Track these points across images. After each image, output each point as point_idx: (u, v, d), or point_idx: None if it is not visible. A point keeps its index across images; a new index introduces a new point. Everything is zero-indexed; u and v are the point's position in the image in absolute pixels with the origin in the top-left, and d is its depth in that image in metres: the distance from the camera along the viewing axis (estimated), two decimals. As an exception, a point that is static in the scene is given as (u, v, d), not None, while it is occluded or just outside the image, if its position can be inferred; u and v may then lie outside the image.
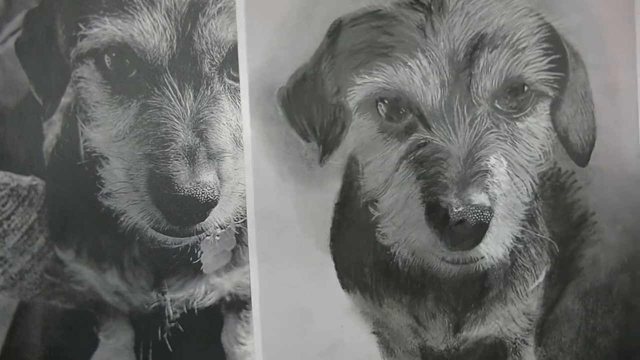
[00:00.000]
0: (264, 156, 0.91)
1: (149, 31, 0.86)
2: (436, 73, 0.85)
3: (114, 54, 0.88)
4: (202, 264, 0.93)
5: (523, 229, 0.87)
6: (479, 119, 0.84)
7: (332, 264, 0.91)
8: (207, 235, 0.91)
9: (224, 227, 0.91)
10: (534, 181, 0.87)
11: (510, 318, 0.91)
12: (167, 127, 0.86)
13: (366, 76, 0.86)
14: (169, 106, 0.87)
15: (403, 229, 0.87)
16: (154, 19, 0.86)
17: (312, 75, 0.89)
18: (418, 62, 0.85)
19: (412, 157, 0.85)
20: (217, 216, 0.88)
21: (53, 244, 0.96)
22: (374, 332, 0.93)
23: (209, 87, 0.87)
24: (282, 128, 0.90)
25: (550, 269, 0.90)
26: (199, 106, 0.87)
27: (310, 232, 0.91)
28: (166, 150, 0.86)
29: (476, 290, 0.90)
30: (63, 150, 0.94)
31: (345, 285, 0.92)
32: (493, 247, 0.85)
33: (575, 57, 0.87)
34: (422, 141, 0.85)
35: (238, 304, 0.98)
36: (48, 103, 0.93)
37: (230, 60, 0.88)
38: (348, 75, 0.88)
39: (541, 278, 0.90)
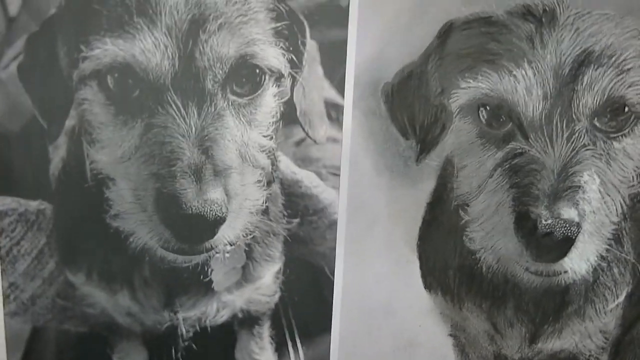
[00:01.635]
0: (362, 149, 0.91)
1: (151, 50, 0.85)
2: (540, 85, 0.85)
3: (116, 74, 0.87)
4: (212, 282, 0.94)
5: (609, 247, 0.88)
6: (577, 134, 0.85)
7: (417, 263, 0.92)
8: (216, 253, 0.91)
9: (234, 244, 0.90)
10: (625, 202, 0.88)
11: (586, 334, 0.92)
12: (172, 146, 0.85)
13: (471, 80, 0.87)
14: (174, 124, 0.85)
15: (491, 235, 0.88)
16: (155, 38, 0.85)
17: (418, 74, 0.89)
18: (523, 72, 0.85)
19: (507, 165, 0.86)
20: (226, 233, 0.87)
21: (63, 267, 0.96)
22: (450, 335, 0.94)
23: (213, 104, 0.86)
24: (383, 123, 0.91)
25: (632, 290, 0.91)
26: (204, 123, 0.86)
27: (399, 228, 0.92)
28: (172, 168, 0.84)
29: (556, 304, 0.90)
30: (69, 173, 0.94)
31: (427, 285, 0.93)
32: (577, 263, 0.86)
33: (680, 84, 0.87)
34: (519, 150, 0.86)
35: (250, 320, 0.99)
36: (53, 126, 0.92)
37: (232, 76, 0.87)
38: (453, 77, 0.88)
39: (621, 298, 0.91)
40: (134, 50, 0.84)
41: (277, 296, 0.96)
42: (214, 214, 0.84)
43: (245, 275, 0.95)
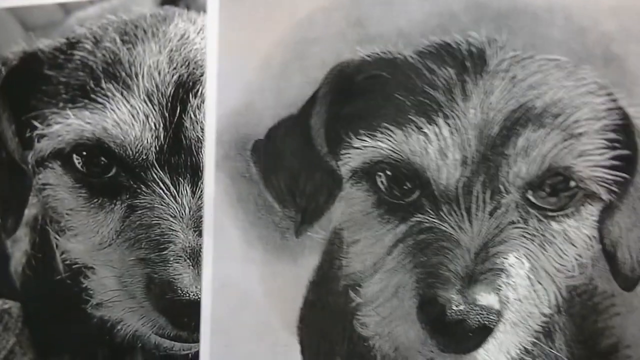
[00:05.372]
0: (228, 218, 0.80)
1: (127, 121, 0.78)
2: (458, 146, 0.72)
3: (84, 153, 0.80)
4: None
5: (535, 341, 0.74)
6: (503, 209, 0.71)
7: (298, 348, 0.82)
8: (218, 339, 0.88)
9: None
10: (560, 293, 0.74)
11: None
12: (162, 228, 0.79)
13: (368, 139, 0.74)
14: (162, 205, 0.79)
15: (388, 321, 0.76)
16: (131, 106, 0.78)
17: (299, 130, 0.77)
18: (437, 129, 0.72)
19: (412, 242, 0.73)
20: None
21: (42, 361, 0.93)
22: None
23: None
24: (253, 188, 0.80)
25: (557, 391, 0.80)
26: (199, 202, 0.80)
27: (276, 308, 0.81)
28: (164, 253, 0.79)
29: (465, 403, 0.80)
30: (36, 267, 0.90)
31: (311, 373, 0.84)
32: (494, 356, 0.73)
33: (647, 158, 0.71)
34: (427, 225, 0.73)
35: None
36: (9, 218, 0.87)
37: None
38: (344, 134, 0.75)
39: (539, 398, 0.81)
40: (105, 122, 0.79)
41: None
42: None
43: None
